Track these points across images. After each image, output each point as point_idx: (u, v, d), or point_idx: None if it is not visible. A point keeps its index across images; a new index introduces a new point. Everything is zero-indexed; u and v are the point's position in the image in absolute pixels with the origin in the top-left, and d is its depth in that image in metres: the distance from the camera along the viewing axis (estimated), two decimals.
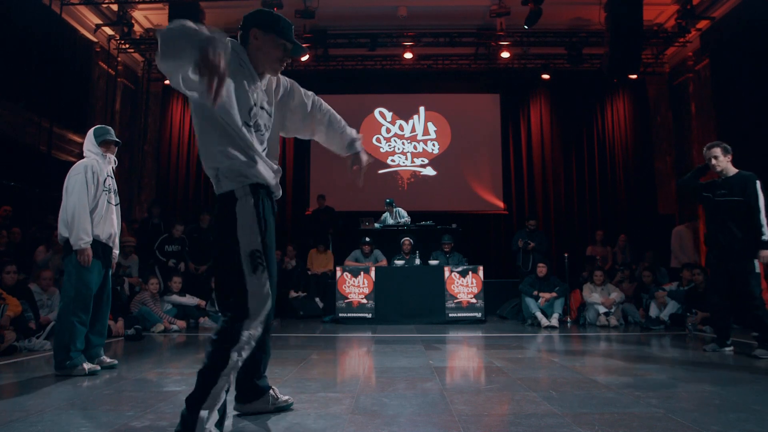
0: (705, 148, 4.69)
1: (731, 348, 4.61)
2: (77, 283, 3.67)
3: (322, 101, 2.57)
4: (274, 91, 2.36)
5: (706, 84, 9.97)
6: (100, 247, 3.80)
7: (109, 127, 4.01)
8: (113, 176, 3.98)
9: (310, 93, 2.54)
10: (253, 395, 2.51)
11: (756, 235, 4.34)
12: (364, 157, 2.50)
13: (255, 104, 2.15)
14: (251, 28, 2.17)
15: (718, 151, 4.58)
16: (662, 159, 11.29)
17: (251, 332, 2.01)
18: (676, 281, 7.37)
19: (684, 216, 10.06)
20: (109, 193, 3.89)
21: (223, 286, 2.16)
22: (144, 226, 8.70)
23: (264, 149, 2.20)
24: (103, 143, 3.87)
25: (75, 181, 3.70)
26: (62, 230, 3.71)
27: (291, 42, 2.22)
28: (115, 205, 3.96)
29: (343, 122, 2.57)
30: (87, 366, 3.58)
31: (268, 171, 2.16)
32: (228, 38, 1.83)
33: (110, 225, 3.88)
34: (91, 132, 3.90)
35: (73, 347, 3.57)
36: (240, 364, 2.00)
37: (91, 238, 3.69)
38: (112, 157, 3.94)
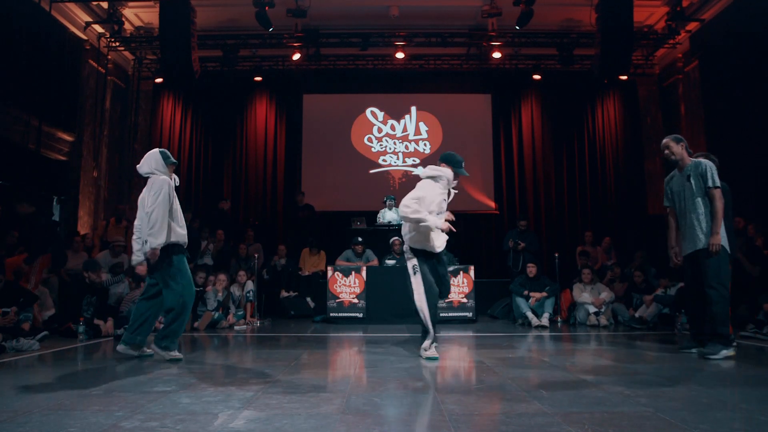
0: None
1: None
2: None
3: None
4: None
5: (696, 85, 10.05)
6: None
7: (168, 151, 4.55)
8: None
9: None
10: None
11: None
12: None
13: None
14: None
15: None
16: (652, 159, 11.36)
17: None
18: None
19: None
20: None
21: None
22: None
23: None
24: (170, 165, 4.37)
25: (160, 194, 4.15)
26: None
27: None
28: None
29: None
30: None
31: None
32: None
33: None
34: (158, 154, 4.33)
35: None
36: None
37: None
38: (176, 177, 4.46)
